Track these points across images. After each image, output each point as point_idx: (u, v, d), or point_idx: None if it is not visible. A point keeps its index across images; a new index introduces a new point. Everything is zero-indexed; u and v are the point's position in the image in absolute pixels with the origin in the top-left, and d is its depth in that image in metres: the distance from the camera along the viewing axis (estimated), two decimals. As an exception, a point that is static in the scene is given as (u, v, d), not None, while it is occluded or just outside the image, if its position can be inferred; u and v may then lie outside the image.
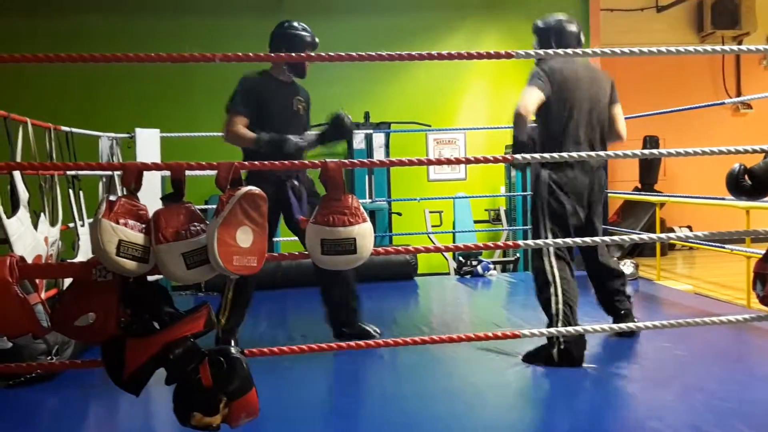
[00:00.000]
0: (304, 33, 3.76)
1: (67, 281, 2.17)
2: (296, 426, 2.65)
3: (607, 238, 2.22)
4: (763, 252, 2.19)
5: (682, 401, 2.78)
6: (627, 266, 5.56)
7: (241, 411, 1.76)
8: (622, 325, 2.53)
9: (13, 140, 3.07)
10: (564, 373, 3.14)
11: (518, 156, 2.00)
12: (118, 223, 1.69)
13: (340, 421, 2.75)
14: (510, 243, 1.96)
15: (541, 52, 2.07)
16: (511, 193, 7.17)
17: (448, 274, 6.40)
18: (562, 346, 3.06)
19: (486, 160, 2.13)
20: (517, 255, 6.87)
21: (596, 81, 3.38)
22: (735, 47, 2.27)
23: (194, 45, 6.66)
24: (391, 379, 3.25)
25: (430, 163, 2.16)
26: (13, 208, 2.94)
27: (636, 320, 3.46)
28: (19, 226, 2.91)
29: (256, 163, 1.96)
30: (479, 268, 5.91)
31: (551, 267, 3.18)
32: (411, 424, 2.62)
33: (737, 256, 4.95)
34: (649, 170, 8.27)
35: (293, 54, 1.79)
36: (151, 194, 3.54)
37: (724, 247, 5.05)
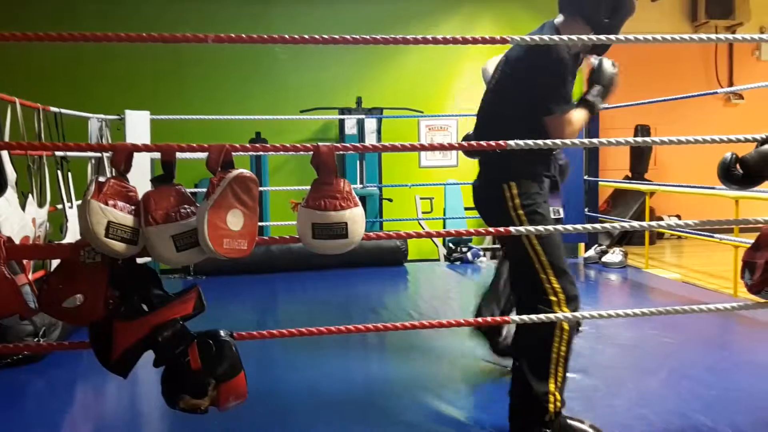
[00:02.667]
0: None
1: (55, 262, 2.15)
2: (284, 409, 2.66)
3: (598, 226, 2.22)
4: (752, 241, 2.21)
5: (668, 388, 2.80)
6: (616, 254, 5.59)
7: (230, 394, 1.75)
8: (612, 312, 2.52)
9: (1, 120, 3.03)
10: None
11: (511, 142, 1.97)
12: (107, 204, 1.67)
13: (328, 404, 2.76)
14: (501, 229, 1.94)
15: (536, 38, 2.05)
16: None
17: (438, 260, 6.41)
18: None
19: (479, 146, 2.12)
20: (507, 242, 6.88)
21: None
22: (729, 36, 2.25)
23: (187, 28, 6.61)
24: (378, 363, 3.26)
25: (422, 148, 2.15)
26: (0, 189, 2.91)
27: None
28: (6, 206, 2.88)
29: (248, 145, 1.94)
30: (469, 255, 5.93)
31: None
32: (398, 408, 2.63)
33: (725, 245, 4.99)
34: (639, 159, 8.29)
35: (287, 36, 1.74)
36: (140, 176, 3.52)
37: (712, 237, 5.09)
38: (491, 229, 2.17)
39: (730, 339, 3.66)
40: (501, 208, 2.38)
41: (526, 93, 2.37)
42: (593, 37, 2.18)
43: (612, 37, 2.06)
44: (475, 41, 1.98)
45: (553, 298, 2.29)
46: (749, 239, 2.62)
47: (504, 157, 2.29)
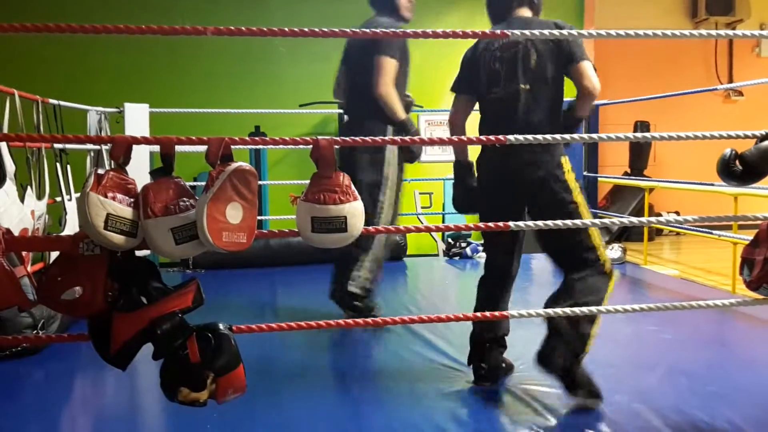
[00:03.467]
0: None
1: (54, 255, 2.15)
2: (284, 402, 2.66)
3: (597, 221, 2.23)
4: (751, 238, 2.21)
5: (666, 384, 2.81)
6: (614, 250, 5.60)
7: (229, 387, 1.75)
8: (610, 308, 2.52)
9: (0, 112, 3.02)
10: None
11: (510, 137, 1.97)
12: (106, 196, 1.66)
13: (327, 398, 2.76)
14: (501, 224, 1.96)
15: (536, 32, 2.05)
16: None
17: (437, 255, 6.42)
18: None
19: (479, 141, 2.12)
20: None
21: None
22: (728, 32, 2.25)
23: (185, 18, 6.60)
24: (377, 358, 3.26)
25: (422, 143, 2.15)
26: (-1, 181, 2.91)
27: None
28: (5, 199, 2.88)
29: (248, 139, 1.94)
30: (468, 250, 5.93)
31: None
32: (395, 402, 2.64)
33: (723, 242, 4.99)
34: (639, 155, 8.29)
35: (286, 29, 1.74)
36: (139, 169, 3.51)
37: (711, 233, 5.09)
38: (491, 224, 2.17)
39: (729, 335, 3.67)
40: (560, 181, 2.62)
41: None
42: (602, 32, 2.17)
43: (613, 32, 2.06)
44: (475, 35, 1.98)
45: (603, 256, 2.63)
46: (748, 236, 2.62)
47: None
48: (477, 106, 2.93)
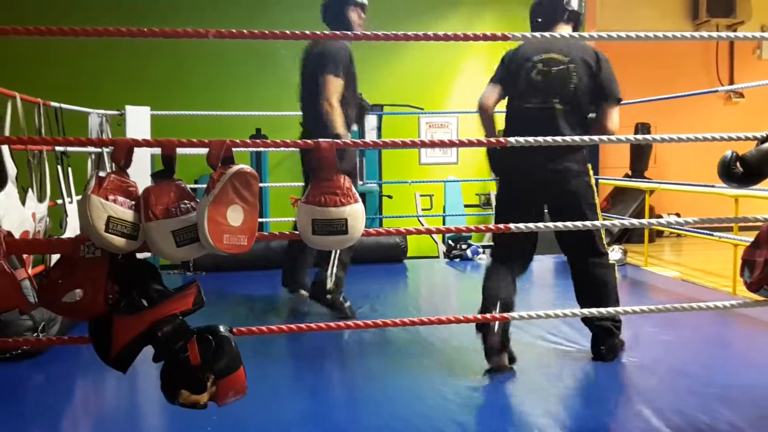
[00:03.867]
0: None
1: (55, 257, 2.15)
2: (284, 405, 2.66)
3: (597, 223, 2.23)
4: (751, 240, 2.21)
5: (667, 385, 2.81)
6: (615, 252, 5.59)
7: (229, 389, 1.75)
8: (611, 309, 2.52)
9: (2, 115, 3.03)
10: (549, 357, 3.16)
11: (511, 139, 1.98)
12: (107, 199, 1.67)
13: (328, 400, 2.76)
14: (501, 226, 1.98)
15: (537, 34, 2.05)
16: (502, 178, 7.18)
17: (438, 257, 6.42)
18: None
19: (480, 143, 2.12)
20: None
21: None
22: (729, 34, 2.25)
23: (187, 20, 6.60)
24: (377, 359, 3.26)
25: (423, 145, 2.15)
26: (0, 184, 2.91)
27: None
28: (6, 201, 2.88)
29: (249, 141, 1.94)
30: (468, 252, 5.93)
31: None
32: (396, 404, 2.64)
33: (724, 243, 4.99)
34: (639, 157, 8.29)
35: (288, 32, 1.74)
36: (141, 172, 3.52)
37: (712, 235, 5.09)
38: (491, 226, 2.17)
39: (729, 337, 3.67)
40: (589, 186, 3.04)
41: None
42: (603, 34, 2.17)
43: (614, 34, 2.06)
44: (476, 38, 1.98)
45: (606, 252, 3.08)
46: (749, 237, 2.62)
47: (578, 148, 2.97)
48: (504, 105, 3.18)
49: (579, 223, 2.29)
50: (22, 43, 6.30)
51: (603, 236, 3.08)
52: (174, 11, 7.18)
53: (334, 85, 3.78)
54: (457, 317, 2.20)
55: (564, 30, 3.07)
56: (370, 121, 6.93)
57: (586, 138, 2.17)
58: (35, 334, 3.22)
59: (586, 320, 3.10)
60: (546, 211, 3.13)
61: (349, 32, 1.90)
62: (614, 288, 3.06)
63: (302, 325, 1.97)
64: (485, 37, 1.98)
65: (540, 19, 3.12)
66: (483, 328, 2.99)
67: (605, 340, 3.06)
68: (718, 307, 2.22)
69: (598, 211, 3.06)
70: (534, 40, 3.00)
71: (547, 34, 2.09)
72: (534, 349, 3.28)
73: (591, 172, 3.07)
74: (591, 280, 3.06)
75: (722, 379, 2.83)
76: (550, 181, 2.98)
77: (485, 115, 3.14)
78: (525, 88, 3.00)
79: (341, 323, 2.01)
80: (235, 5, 7.33)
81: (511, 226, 2.09)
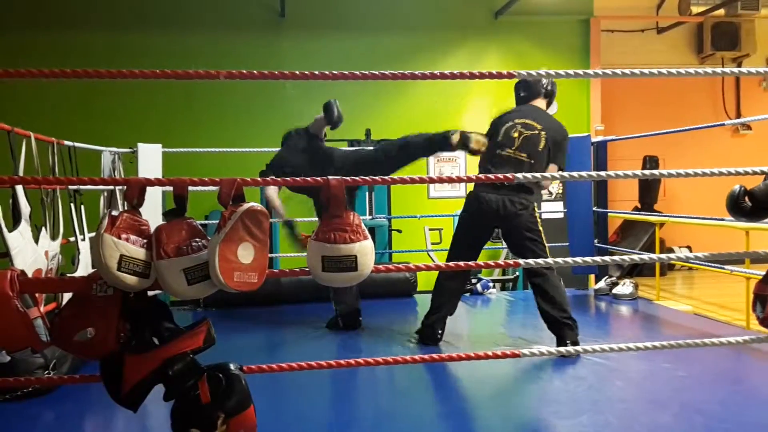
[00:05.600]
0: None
1: (67, 295, 2.16)
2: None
3: (606, 258, 2.23)
4: (763, 273, 2.20)
5: (680, 422, 2.77)
6: (626, 286, 5.56)
7: (240, 428, 1.75)
8: (623, 345, 2.50)
9: (17, 154, 3.08)
10: (562, 392, 3.13)
11: (519, 175, 2.01)
12: (120, 238, 1.69)
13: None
14: (510, 261, 1.99)
15: (542, 72, 2.08)
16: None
17: (448, 291, 6.37)
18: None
19: (487, 179, 2.14)
20: (517, 273, 6.86)
21: None
22: (735, 69, 2.27)
23: (198, 61, 6.74)
24: (388, 397, 3.24)
25: (431, 181, 2.17)
26: (14, 222, 2.94)
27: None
28: (20, 239, 2.91)
29: (259, 179, 1.97)
30: (479, 287, 5.90)
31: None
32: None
33: (737, 277, 4.95)
34: (648, 190, 8.29)
35: (297, 72, 1.77)
36: (152, 209, 3.55)
37: (723, 268, 5.05)
38: (500, 262, 2.17)
39: (743, 372, 3.62)
40: (533, 217, 3.89)
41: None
42: (607, 71, 2.19)
43: (619, 71, 2.09)
44: (482, 76, 2.01)
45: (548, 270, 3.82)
46: (761, 270, 2.61)
47: (530, 190, 3.91)
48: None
49: (598, 258, 2.28)
50: (35, 83, 6.43)
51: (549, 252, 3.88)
52: (186, 48, 7.31)
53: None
54: (468, 354, 2.19)
55: (540, 104, 4.04)
56: (379, 156, 6.97)
57: (593, 173, 2.18)
58: (46, 372, 3.23)
59: (549, 325, 3.81)
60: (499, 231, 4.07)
61: (356, 72, 1.93)
62: (558, 291, 3.79)
63: (312, 363, 1.96)
64: (490, 75, 2.01)
65: (523, 94, 4.08)
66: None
67: (567, 335, 3.72)
68: (731, 342, 2.20)
69: (543, 235, 3.87)
70: (513, 112, 4.02)
71: (552, 71, 2.12)
72: (541, 383, 3.25)
73: (537, 210, 3.93)
74: (537, 292, 3.84)
75: (737, 416, 2.79)
76: (504, 210, 3.86)
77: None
78: (504, 140, 3.92)
79: (351, 361, 2.01)
80: (246, 47, 7.46)
81: (520, 261, 2.10)
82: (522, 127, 3.90)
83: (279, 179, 2.09)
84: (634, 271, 7.68)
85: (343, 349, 4.01)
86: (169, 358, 1.72)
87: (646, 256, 2.16)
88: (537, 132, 3.88)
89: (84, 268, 3.53)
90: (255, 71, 1.89)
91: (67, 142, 3.81)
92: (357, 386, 3.42)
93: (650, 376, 3.34)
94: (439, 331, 3.98)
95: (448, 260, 3.94)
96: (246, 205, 1.79)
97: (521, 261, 2.11)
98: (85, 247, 3.63)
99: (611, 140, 6.06)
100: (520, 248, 3.87)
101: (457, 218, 7.18)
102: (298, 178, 2.02)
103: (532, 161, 3.86)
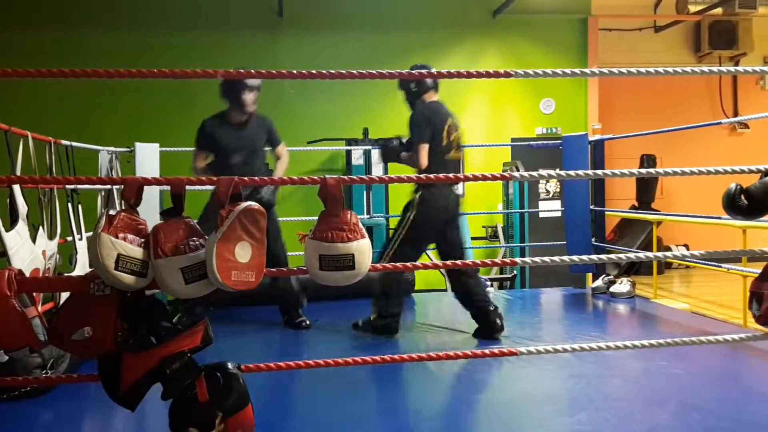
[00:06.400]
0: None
1: (64, 295, 2.16)
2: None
3: (603, 256, 2.23)
4: (760, 271, 2.20)
5: (678, 420, 2.77)
6: (623, 284, 5.57)
7: (237, 427, 1.75)
8: (620, 343, 2.51)
9: (14, 154, 3.07)
10: (560, 390, 3.14)
11: (516, 174, 2.01)
12: (117, 237, 1.69)
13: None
14: (507, 260, 2.00)
15: (540, 71, 2.08)
16: (509, 210, 7.20)
17: (445, 290, 6.39)
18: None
19: (484, 178, 2.14)
20: (514, 272, 6.87)
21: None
22: (732, 68, 2.28)
23: (196, 60, 6.72)
24: (386, 395, 3.24)
25: (428, 180, 2.17)
26: (11, 222, 2.94)
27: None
28: (17, 239, 2.91)
29: (256, 178, 1.97)
30: (477, 285, 5.90)
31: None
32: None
33: (734, 275, 4.96)
34: (646, 189, 8.29)
35: (294, 71, 1.78)
36: (150, 208, 3.55)
37: (720, 266, 5.06)
38: (497, 260, 2.18)
39: (740, 370, 3.63)
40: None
41: None
42: (604, 70, 2.20)
43: (616, 70, 2.09)
44: (479, 75, 2.01)
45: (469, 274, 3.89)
46: (757, 269, 2.62)
47: None
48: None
49: (595, 257, 2.29)
50: (33, 82, 6.42)
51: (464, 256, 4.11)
52: (183, 48, 7.30)
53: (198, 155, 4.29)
54: (466, 353, 2.19)
55: (434, 96, 4.28)
56: (377, 154, 6.98)
57: (590, 172, 2.19)
58: (44, 371, 3.23)
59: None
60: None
61: (354, 71, 1.93)
62: (475, 282, 3.96)
63: (310, 362, 1.97)
64: (488, 75, 2.02)
65: (414, 88, 4.28)
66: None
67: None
68: (728, 340, 2.20)
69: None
70: (442, 109, 4.25)
71: (549, 71, 2.12)
72: (540, 381, 3.26)
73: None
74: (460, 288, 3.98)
75: (734, 413, 2.80)
76: (457, 208, 4.16)
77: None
78: (447, 144, 4.12)
79: (348, 359, 2.01)
80: (244, 47, 7.45)
81: (517, 260, 2.10)
82: (454, 129, 4.19)
83: (278, 178, 2.09)
84: (632, 269, 7.69)
85: (342, 348, 4.01)
86: (167, 357, 1.72)
87: (643, 254, 2.16)
88: (460, 130, 4.26)
89: (81, 267, 3.52)
90: (253, 70, 1.90)
91: (64, 142, 3.81)
92: (354, 384, 3.42)
93: (648, 374, 3.35)
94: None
95: (409, 260, 3.73)
96: (243, 204, 1.79)
97: (518, 260, 2.11)
98: (82, 247, 3.63)
99: (608, 139, 6.06)
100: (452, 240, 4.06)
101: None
102: (294, 177, 2.02)
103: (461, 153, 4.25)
